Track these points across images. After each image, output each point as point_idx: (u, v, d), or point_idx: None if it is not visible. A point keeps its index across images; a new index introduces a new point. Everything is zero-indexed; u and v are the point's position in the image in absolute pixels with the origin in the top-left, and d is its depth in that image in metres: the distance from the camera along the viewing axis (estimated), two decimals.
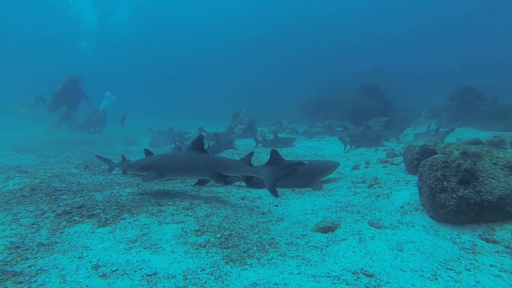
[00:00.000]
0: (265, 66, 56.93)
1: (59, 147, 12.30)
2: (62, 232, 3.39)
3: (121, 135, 16.41)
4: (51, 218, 3.73)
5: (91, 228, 3.50)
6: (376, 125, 12.79)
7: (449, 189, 3.43)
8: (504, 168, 3.76)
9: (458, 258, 2.69)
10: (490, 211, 3.33)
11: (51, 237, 3.26)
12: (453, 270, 2.49)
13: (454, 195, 3.37)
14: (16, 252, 2.91)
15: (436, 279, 2.34)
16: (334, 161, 6.41)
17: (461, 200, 3.33)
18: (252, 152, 4.47)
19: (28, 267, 2.60)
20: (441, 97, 18.61)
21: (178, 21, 63.18)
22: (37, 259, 2.77)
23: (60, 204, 4.13)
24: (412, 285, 2.27)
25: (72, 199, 4.37)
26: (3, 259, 2.75)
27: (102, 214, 3.86)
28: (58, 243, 3.14)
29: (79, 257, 2.78)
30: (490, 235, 3.13)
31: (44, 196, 4.46)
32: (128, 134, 16.43)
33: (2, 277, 2.44)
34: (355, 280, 2.37)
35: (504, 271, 2.51)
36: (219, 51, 62.65)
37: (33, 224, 3.56)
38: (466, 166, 3.50)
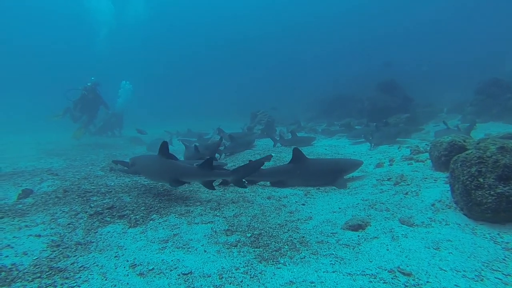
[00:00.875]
0: (280, 65, 56.85)
1: (83, 150, 12.73)
2: (96, 232, 3.51)
3: (141, 137, 16.73)
4: (84, 219, 3.86)
5: (122, 229, 3.59)
6: (398, 122, 12.48)
7: (486, 186, 3.30)
8: None
9: (504, 259, 2.57)
10: None
11: (87, 237, 3.38)
12: (499, 271, 2.39)
13: (492, 192, 3.24)
14: (58, 249, 3.04)
15: (482, 280, 2.26)
16: (357, 159, 6.31)
17: (500, 197, 3.19)
18: (210, 159, 4.51)
19: (71, 264, 2.70)
20: (461, 92, 18.00)
21: (191, 20, 63.77)
22: (77, 257, 2.88)
23: (92, 205, 4.26)
24: (456, 285, 2.19)
25: (102, 200, 4.49)
26: (48, 256, 2.89)
27: (132, 215, 3.95)
28: (93, 242, 3.25)
29: (116, 256, 2.86)
30: None
31: (76, 197, 4.62)
32: (146, 137, 16.74)
33: (50, 272, 2.56)
34: (392, 278, 2.32)
35: None
36: (234, 51, 62.94)
37: (69, 224, 3.70)
38: (505, 161, 3.35)
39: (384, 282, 2.27)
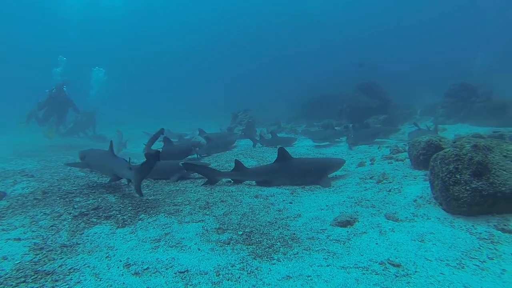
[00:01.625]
0: (260, 66, 57.13)
1: (57, 152, 12.20)
2: (82, 234, 3.40)
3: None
4: (68, 220, 3.73)
5: (110, 229, 3.51)
6: (375, 123, 12.94)
7: (462, 181, 3.52)
8: None
9: (479, 248, 2.77)
10: (503, 202, 3.41)
11: (72, 238, 3.27)
12: (476, 259, 2.57)
13: (467, 187, 3.46)
14: (42, 252, 2.93)
15: (462, 268, 2.42)
16: (340, 158, 6.50)
17: (474, 192, 3.42)
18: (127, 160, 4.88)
19: (59, 267, 2.61)
20: (436, 94, 18.91)
21: (171, 20, 62.76)
22: (64, 259, 2.79)
23: (76, 206, 4.12)
24: (441, 273, 2.34)
25: (86, 201, 4.36)
26: (31, 260, 2.78)
27: (119, 215, 3.87)
28: (80, 244, 3.15)
29: (107, 256, 2.80)
30: (505, 225, 3.21)
31: (58, 199, 4.44)
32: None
33: (36, 276, 2.46)
34: (383, 270, 2.43)
35: None
36: (212, 51, 62.55)
37: (52, 226, 3.56)
38: (479, 158, 3.59)
39: (376, 274, 2.37)
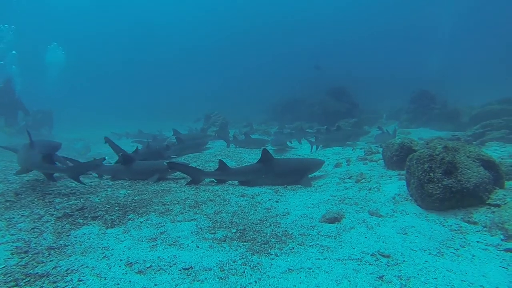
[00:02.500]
0: (232, 68, 57.17)
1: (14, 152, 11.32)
2: (69, 235, 3.29)
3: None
4: (51, 222, 3.57)
5: (99, 229, 3.42)
6: (346, 126, 13.56)
7: (435, 179, 3.89)
8: (475, 160, 4.32)
9: (452, 238, 3.10)
10: (468, 197, 3.83)
11: (59, 240, 3.16)
12: (452, 247, 2.89)
13: (439, 185, 3.83)
14: (27, 256, 2.80)
15: (442, 256, 2.71)
16: (319, 159, 6.77)
17: (445, 188, 3.79)
18: (49, 154, 5.10)
19: (53, 269, 2.53)
20: (399, 100, 20.22)
21: (144, 20, 60.87)
22: (55, 261, 2.69)
23: (58, 207, 3.94)
24: (426, 261, 2.60)
25: (67, 202, 4.18)
26: (17, 263, 2.65)
27: (107, 216, 3.77)
28: (68, 245, 3.05)
29: (104, 256, 2.74)
30: (469, 218, 3.61)
31: (36, 200, 4.21)
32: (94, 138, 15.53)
33: (28, 279, 2.36)
34: (375, 260, 2.65)
35: (489, 245, 2.95)
36: (184, 53, 61.60)
37: (33, 228, 3.39)
38: (449, 158, 3.99)
39: (370, 264, 2.58)
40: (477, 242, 3.03)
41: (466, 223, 3.48)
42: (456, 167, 3.97)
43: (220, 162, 5.62)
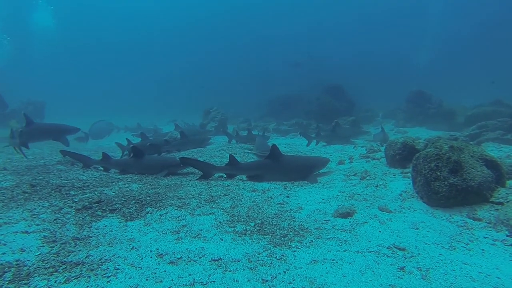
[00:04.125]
0: (228, 64, 56.97)
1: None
2: (91, 227, 3.37)
3: None
4: (72, 213, 3.63)
5: (120, 222, 3.51)
6: (344, 124, 13.77)
7: (442, 177, 4.06)
8: (479, 160, 4.52)
9: (460, 233, 3.28)
10: (472, 195, 4.01)
11: (82, 232, 3.23)
12: (462, 242, 3.06)
13: (446, 183, 4.00)
14: (56, 245, 2.88)
15: (454, 249, 2.88)
16: (325, 157, 6.93)
17: (451, 187, 3.97)
18: None
19: (86, 257, 2.61)
20: (394, 99, 20.56)
21: (145, 14, 60.22)
22: (84, 251, 2.77)
23: (76, 200, 4.00)
24: (440, 254, 2.77)
25: (83, 195, 4.23)
26: (49, 251, 2.73)
27: (124, 209, 3.85)
28: (92, 237, 3.13)
29: (132, 247, 2.83)
30: (474, 214, 3.80)
31: (52, 191, 4.27)
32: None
33: (65, 267, 2.45)
34: (392, 253, 2.80)
35: (497, 240, 3.13)
36: (180, 48, 61.19)
37: (55, 219, 3.45)
38: (455, 158, 4.17)
39: (388, 256, 2.74)
40: (484, 237, 3.21)
41: (471, 220, 3.66)
42: (462, 166, 4.15)
43: (231, 157, 5.72)
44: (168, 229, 3.26)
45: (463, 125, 12.64)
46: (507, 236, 3.25)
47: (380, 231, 3.28)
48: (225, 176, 5.82)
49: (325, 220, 3.71)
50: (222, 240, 3.06)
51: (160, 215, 3.67)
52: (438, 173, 4.13)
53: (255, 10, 57.57)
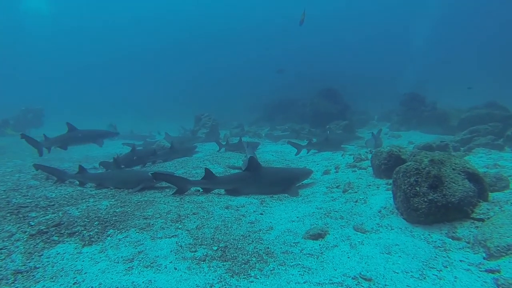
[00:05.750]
0: (221, 66, 56.93)
1: (0, 155, 11.05)
2: (41, 255, 3.16)
3: None
4: (23, 240, 3.42)
5: (75, 248, 3.30)
6: (337, 129, 13.56)
7: (421, 193, 3.85)
8: (461, 173, 4.30)
9: (435, 257, 3.06)
10: (452, 212, 3.80)
11: (28, 262, 3.02)
12: (434, 268, 2.84)
13: (425, 199, 3.79)
14: None
15: (424, 279, 2.66)
16: (308, 168, 6.71)
17: (431, 203, 3.75)
18: None
19: None
20: (390, 101, 20.35)
21: (131, 16, 60.32)
22: None
23: (32, 223, 3.79)
24: (407, 285, 2.55)
25: (44, 217, 4.03)
26: None
27: (85, 232, 3.65)
28: (38, 268, 2.92)
29: (75, 282, 2.62)
30: (454, 232, 3.59)
31: (8, 215, 4.05)
32: None
33: None
34: (356, 285, 2.59)
35: (472, 264, 2.92)
36: (174, 51, 61.23)
37: (0, 249, 3.23)
38: (434, 172, 3.95)
39: None
40: (460, 261, 3.00)
41: (450, 239, 3.45)
42: (442, 181, 3.94)
43: (206, 170, 5.51)
44: (121, 257, 3.05)
45: (456, 129, 12.42)
46: (484, 258, 3.04)
47: (348, 257, 3.06)
48: (202, 190, 5.61)
49: (294, 243, 3.50)
50: (175, 269, 2.85)
51: (119, 239, 3.47)
52: (418, 189, 3.92)
53: (253, 19, 57.76)
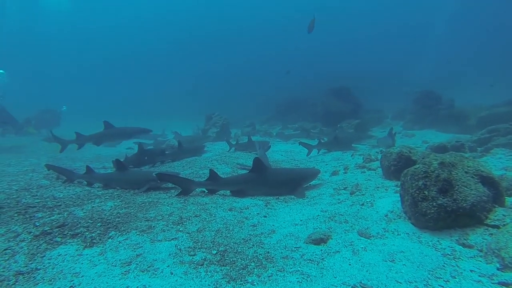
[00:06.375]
0: (235, 66, 57.01)
1: (18, 152, 11.41)
2: (43, 256, 3.19)
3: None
4: (27, 241, 3.48)
5: (76, 250, 3.32)
6: (348, 128, 13.30)
7: (430, 198, 3.68)
8: (474, 176, 4.09)
9: (443, 266, 2.90)
10: (464, 217, 3.60)
11: (31, 263, 3.05)
12: (441, 278, 2.69)
13: (434, 204, 3.61)
14: None
15: None
16: (316, 168, 6.57)
17: (440, 208, 3.58)
18: None
19: None
20: (404, 99, 19.80)
21: (142, 14, 61.27)
22: None
23: (37, 224, 3.85)
24: None
25: (49, 217, 4.09)
26: None
27: (87, 233, 3.67)
28: (39, 269, 2.95)
29: (71, 286, 2.62)
30: (465, 239, 3.40)
31: (16, 215, 4.13)
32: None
33: None
34: None
35: (483, 276, 2.74)
36: (185, 50, 61.79)
37: (6, 249, 3.29)
38: (444, 175, 3.77)
39: None
40: (470, 271, 2.83)
41: (461, 246, 3.28)
42: (452, 185, 3.75)
43: (211, 172, 5.48)
44: (119, 260, 3.05)
45: (475, 128, 11.92)
46: (498, 269, 2.86)
47: (350, 264, 2.94)
48: (207, 191, 5.59)
49: (295, 247, 3.41)
50: (172, 274, 2.81)
51: (119, 241, 3.47)
52: (426, 193, 3.74)
53: (264, 17, 57.50)
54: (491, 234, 3.40)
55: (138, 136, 9.41)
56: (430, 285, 2.58)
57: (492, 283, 2.62)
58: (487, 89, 19.80)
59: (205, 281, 2.71)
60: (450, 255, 3.10)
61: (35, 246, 3.34)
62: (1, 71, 18.63)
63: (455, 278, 2.71)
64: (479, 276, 2.74)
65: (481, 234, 3.43)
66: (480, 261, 2.99)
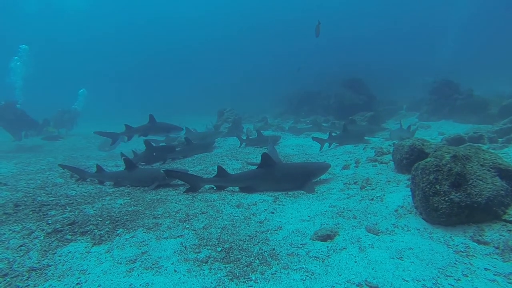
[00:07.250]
0: (248, 60, 56.88)
1: (38, 152, 11.82)
2: (55, 253, 3.28)
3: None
4: (41, 238, 3.59)
5: (85, 247, 3.40)
6: (362, 120, 13.01)
7: (442, 192, 3.53)
8: (490, 169, 3.90)
9: (455, 263, 2.78)
10: (479, 213, 3.45)
11: (43, 260, 3.15)
12: (452, 277, 2.58)
13: (446, 198, 3.47)
14: (4, 280, 2.78)
15: None
16: (326, 162, 6.46)
17: (453, 203, 3.43)
18: None
19: None
20: (420, 90, 19.16)
21: (159, 14, 61.94)
22: (30, 286, 2.65)
23: (50, 222, 3.97)
24: None
25: (61, 215, 4.20)
26: None
27: (96, 231, 3.75)
28: (51, 266, 3.03)
29: (78, 283, 2.68)
30: (480, 236, 3.25)
31: (31, 213, 4.27)
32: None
33: None
34: None
35: (498, 275, 2.61)
36: (200, 47, 62.07)
37: (21, 246, 3.41)
38: (457, 169, 3.61)
39: None
40: (485, 269, 2.69)
41: (475, 243, 3.13)
42: (466, 179, 3.59)
43: (219, 168, 5.47)
44: (125, 258, 3.09)
45: (497, 117, 11.40)
46: None
47: (356, 262, 2.87)
48: (216, 187, 5.59)
49: (301, 244, 3.35)
50: (175, 271, 2.83)
51: (126, 239, 3.52)
52: (438, 187, 3.60)
53: (277, 13, 56.99)
54: (510, 230, 3.24)
55: (173, 133, 10.01)
56: (439, 284, 2.48)
57: (509, 283, 2.48)
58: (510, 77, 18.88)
59: (208, 279, 2.71)
60: (463, 252, 2.97)
61: (47, 243, 3.45)
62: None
63: (467, 276, 2.59)
64: (494, 275, 2.61)
65: (498, 230, 3.27)
66: (496, 259, 2.85)
